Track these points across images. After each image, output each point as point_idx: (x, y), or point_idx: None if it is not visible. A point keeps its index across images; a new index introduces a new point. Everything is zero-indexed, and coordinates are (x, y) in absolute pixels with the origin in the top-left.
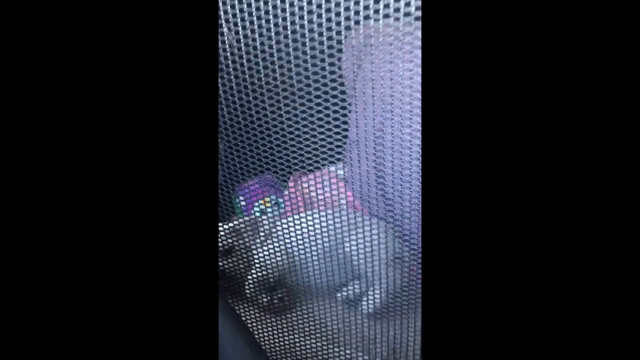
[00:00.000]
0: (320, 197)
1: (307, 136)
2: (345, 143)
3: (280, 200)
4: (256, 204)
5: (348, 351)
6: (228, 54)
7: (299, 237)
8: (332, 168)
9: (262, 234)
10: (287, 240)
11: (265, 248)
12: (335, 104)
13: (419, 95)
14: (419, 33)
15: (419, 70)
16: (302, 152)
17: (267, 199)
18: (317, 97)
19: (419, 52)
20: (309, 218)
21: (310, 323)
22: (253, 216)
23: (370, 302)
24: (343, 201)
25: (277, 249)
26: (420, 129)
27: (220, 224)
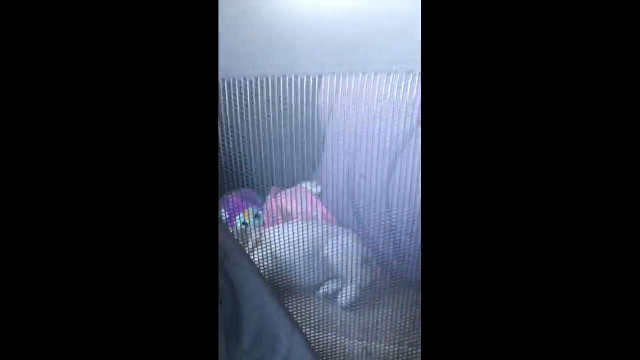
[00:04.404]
0: (298, 210)
1: (284, 157)
2: (318, 165)
3: (260, 212)
4: (238, 216)
5: (329, 334)
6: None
7: (284, 244)
8: (308, 187)
9: (250, 242)
10: (274, 248)
11: (255, 254)
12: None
13: (388, 130)
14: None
15: (388, 106)
16: (281, 170)
17: (248, 212)
18: (294, 126)
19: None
20: (294, 228)
21: (297, 315)
22: (238, 227)
23: (345, 297)
24: (319, 215)
25: (265, 255)
26: (384, 157)
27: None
